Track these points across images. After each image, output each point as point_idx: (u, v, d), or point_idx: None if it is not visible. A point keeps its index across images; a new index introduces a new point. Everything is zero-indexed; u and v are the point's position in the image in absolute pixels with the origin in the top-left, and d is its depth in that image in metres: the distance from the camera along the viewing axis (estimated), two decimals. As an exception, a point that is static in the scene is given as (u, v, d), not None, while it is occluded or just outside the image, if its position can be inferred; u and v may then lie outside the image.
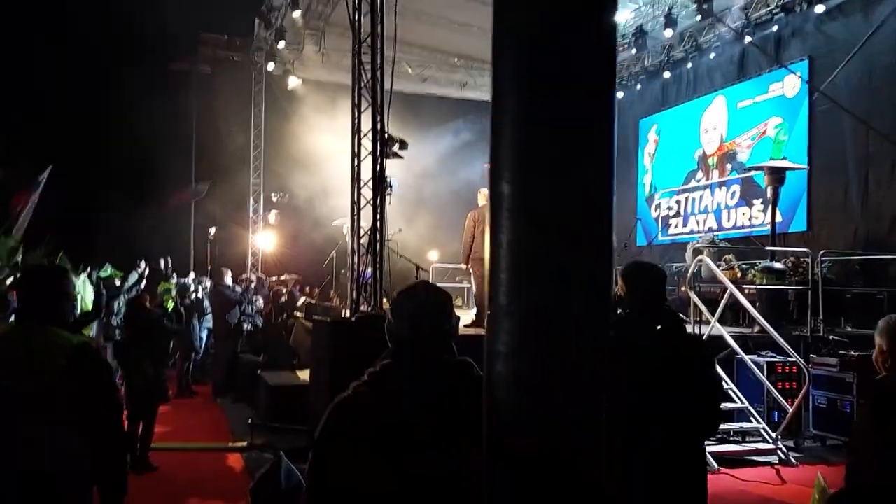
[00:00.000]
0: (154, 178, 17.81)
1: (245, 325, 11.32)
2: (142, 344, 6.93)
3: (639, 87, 17.50)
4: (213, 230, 17.35)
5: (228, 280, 11.17)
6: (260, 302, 11.25)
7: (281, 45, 15.46)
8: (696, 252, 10.03)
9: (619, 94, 17.77)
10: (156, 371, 6.93)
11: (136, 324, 7.17)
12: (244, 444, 7.82)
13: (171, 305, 9.25)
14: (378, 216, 7.46)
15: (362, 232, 7.53)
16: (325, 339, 6.47)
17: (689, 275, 9.20)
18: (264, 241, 17.26)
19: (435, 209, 16.48)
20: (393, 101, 7.74)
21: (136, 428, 6.81)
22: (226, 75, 17.65)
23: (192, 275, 13.21)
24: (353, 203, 7.56)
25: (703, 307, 8.84)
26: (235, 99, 17.82)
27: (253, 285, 11.33)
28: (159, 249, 15.95)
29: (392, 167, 7.96)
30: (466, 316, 10.44)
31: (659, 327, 2.95)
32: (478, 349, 1.55)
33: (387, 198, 8.02)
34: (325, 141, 13.87)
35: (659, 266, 3.32)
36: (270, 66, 16.95)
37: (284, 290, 11.30)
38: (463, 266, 9.55)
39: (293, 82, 16.96)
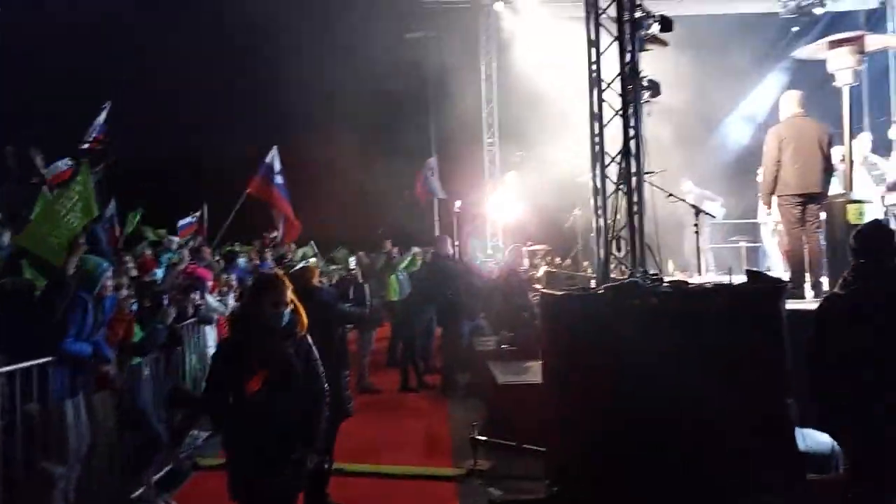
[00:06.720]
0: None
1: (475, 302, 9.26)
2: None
3: None
4: (458, 203, 15.75)
5: (449, 249, 9.21)
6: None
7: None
8: None
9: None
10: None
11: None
12: (461, 471, 5.67)
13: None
14: (632, 132, 4.80)
15: (607, 160, 4.90)
16: (550, 318, 4.11)
17: None
18: (501, 207, 15.15)
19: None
20: None
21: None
22: (452, 27, 15.88)
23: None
24: (591, 114, 4.94)
25: None
26: (464, 55, 16.01)
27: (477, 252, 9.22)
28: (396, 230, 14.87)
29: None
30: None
31: None
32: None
33: (645, 107, 5.36)
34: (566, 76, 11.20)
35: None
36: (499, 6, 14.79)
37: (530, 261, 9.04)
38: (764, 208, 6.49)
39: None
